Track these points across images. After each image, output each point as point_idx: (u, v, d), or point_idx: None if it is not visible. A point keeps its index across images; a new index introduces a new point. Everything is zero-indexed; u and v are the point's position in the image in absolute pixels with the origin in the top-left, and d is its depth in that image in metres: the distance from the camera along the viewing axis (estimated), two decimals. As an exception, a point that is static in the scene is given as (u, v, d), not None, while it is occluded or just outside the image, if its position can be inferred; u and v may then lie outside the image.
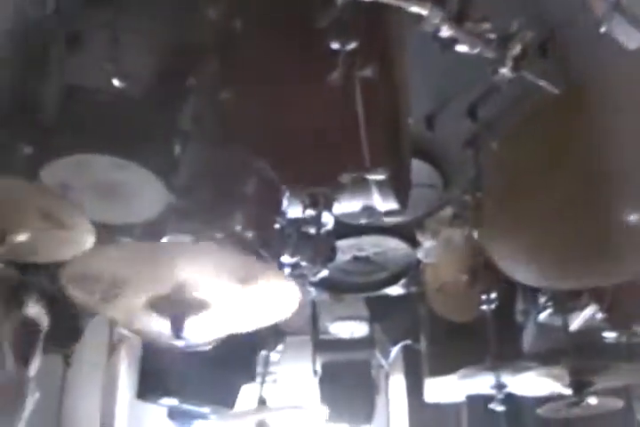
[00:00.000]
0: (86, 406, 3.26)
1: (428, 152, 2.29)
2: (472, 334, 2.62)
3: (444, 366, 2.84)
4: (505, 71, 1.30)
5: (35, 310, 2.02)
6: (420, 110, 2.12)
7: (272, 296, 1.38)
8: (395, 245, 2.70)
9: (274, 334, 2.46)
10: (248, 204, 1.63)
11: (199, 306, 1.39)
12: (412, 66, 1.93)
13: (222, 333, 1.58)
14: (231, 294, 1.38)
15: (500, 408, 2.28)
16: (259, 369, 2.99)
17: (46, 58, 1.68)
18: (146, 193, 1.68)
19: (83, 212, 1.44)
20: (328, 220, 1.82)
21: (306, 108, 1.69)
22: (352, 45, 1.50)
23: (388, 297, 3.05)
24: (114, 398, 3.26)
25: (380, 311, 3.30)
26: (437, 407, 3.24)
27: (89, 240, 1.50)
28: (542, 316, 2.26)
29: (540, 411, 2.28)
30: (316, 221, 1.77)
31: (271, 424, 2.09)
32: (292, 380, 3.50)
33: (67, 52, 1.72)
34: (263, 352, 2.46)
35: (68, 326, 2.57)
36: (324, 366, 3.42)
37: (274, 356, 2.43)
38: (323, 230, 1.81)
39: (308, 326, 3.28)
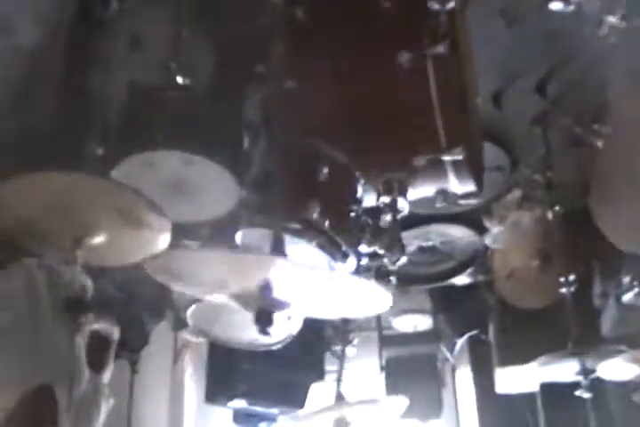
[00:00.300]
0: (154, 411, 3.26)
1: (494, 133, 2.21)
2: (546, 320, 2.53)
3: (517, 355, 2.76)
4: (613, 20, 1.20)
5: (106, 318, 2.01)
6: (486, 89, 2.05)
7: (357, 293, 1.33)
8: (461, 233, 2.63)
9: (347, 329, 2.40)
10: (323, 193, 1.57)
11: (286, 302, 1.34)
12: (477, 43, 1.86)
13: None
14: (317, 291, 1.34)
15: (587, 395, 2.19)
16: (328, 367, 2.95)
17: (110, 57, 1.65)
18: (217, 188, 1.64)
19: (161, 209, 1.40)
20: (403, 206, 1.75)
21: (376, 91, 1.63)
22: (451, 4, 1.43)
23: (453, 287, 2.97)
24: (181, 402, 3.24)
25: (444, 303, 3.23)
26: (508, 398, 3.15)
27: (167, 239, 1.47)
28: (626, 297, 2.16)
29: (635, 398, 2.18)
30: (392, 207, 1.71)
31: (351, 421, 2.04)
32: (356, 377, 3.44)
33: (129, 51, 1.69)
34: (338, 347, 2.41)
35: (135, 333, 2.57)
36: (389, 361, 3.36)
37: (349, 351, 2.38)
38: (398, 217, 1.75)
39: (371, 322, 3.23)
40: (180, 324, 2.97)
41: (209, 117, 1.62)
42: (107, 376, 2.04)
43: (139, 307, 2.47)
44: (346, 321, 2.36)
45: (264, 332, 1.35)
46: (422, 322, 3.48)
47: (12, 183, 1.39)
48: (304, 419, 2.07)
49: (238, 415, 3.22)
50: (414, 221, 2.52)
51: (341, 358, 2.37)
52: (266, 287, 1.32)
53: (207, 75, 1.75)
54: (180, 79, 1.67)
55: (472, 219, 2.59)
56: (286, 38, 1.65)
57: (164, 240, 1.47)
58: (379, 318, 2.74)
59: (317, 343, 2.79)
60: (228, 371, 2.75)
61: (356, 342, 2.39)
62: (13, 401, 1.65)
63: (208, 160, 1.56)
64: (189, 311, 2.17)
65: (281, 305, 1.35)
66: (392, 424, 2.41)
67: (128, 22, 1.67)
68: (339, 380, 2.24)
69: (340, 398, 2.10)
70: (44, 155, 1.70)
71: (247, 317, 1.86)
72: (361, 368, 3.44)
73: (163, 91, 1.63)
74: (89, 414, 1.90)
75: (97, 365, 1.98)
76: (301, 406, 2.89)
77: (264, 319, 1.34)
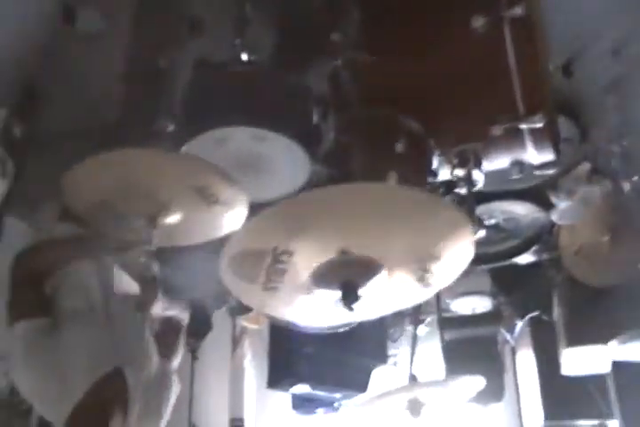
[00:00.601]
0: (215, 398, 3.26)
1: (561, 102, 2.12)
2: (620, 298, 2.45)
3: (588, 335, 2.67)
4: None
5: (176, 303, 2.01)
6: (556, 56, 1.96)
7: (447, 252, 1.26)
8: (525, 210, 2.54)
9: (417, 308, 2.34)
10: (400, 165, 1.52)
11: (371, 270, 1.28)
12: (548, 5, 1.77)
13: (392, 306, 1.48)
14: (402, 255, 1.27)
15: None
16: (391, 351, 2.91)
17: (174, 38, 1.63)
18: (288, 165, 1.60)
19: (239, 186, 1.36)
20: (478, 179, 1.70)
21: (451, 59, 1.57)
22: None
23: (515, 267, 2.89)
24: (241, 389, 3.24)
25: (506, 283, 3.15)
26: (575, 381, 3.06)
27: (244, 216, 1.43)
28: None
29: None
30: (467, 180, 1.65)
31: (424, 401, 1.99)
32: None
33: (193, 30, 1.66)
34: (410, 328, 2.36)
35: (199, 319, 2.56)
36: (448, 344, 3.30)
37: (420, 330, 2.33)
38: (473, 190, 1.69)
39: (428, 305, 3.16)
40: (238, 310, 2.97)
41: (278, 92, 1.58)
42: (176, 362, 2.04)
43: (202, 292, 2.45)
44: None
45: (350, 307, 1.30)
46: (481, 304, 3.40)
47: (86, 164, 1.37)
48: (375, 401, 2.03)
49: (297, 401, 3.21)
50: (476, 198, 2.45)
51: (413, 338, 2.32)
52: (350, 262, 1.27)
53: (274, 49, 1.71)
54: (245, 55, 1.64)
55: (537, 194, 2.50)
56: (359, 7, 1.60)
57: (240, 219, 1.43)
58: (438, 299, 2.67)
59: (379, 327, 2.75)
60: (291, 356, 2.73)
61: (427, 321, 2.33)
62: (88, 385, 1.66)
63: (280, 135, 1.51)
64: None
65: (366, 279, 1.30)
66: (456, 408, 2.36)
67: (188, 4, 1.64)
68: (411, 360, 2.19)
69: (412, 378, 2.06)
70: (114, 137, 1.68)
71: (316, 299, 1.82)
72: (420, 352, 3.40)
73: (229, 67, 1.60)
74: (158, 399, 1.90)
75: (167, 351, 1.98)
76: (364, 390, 2.87)
77: (350, 294, 1.29)
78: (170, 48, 1.62)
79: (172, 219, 1.43)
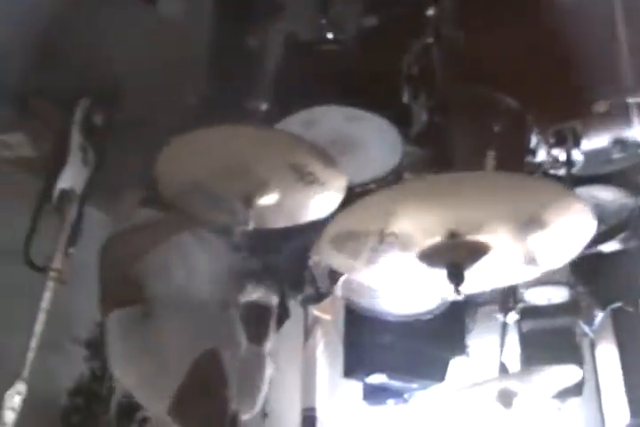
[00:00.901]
0: (287, 388, 3.26)
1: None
2: None
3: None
4: None
5: (266, 287, 2.00)
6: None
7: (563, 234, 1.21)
8: (612, 196, 2.43)
9: (507, 295, 2.28)
10: (498, 144, 1.46)
11: (479, 251, 1.24)
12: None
13: (495, 284, 1.42)
14: (512, 237, 1.23)
15: None
16: (468, 342, 2.84)
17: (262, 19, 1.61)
18: (380, 146, 1.56)
19: (338, 165, 1.32)
20: (577, 159, 1.62)
21: (549, 30, 1.50)
22: None
23: (598, 255, 2.77)
24: (313, 379, 3.23)
25: (586, 272, 3.03)
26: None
27: (340, 198, 1.39)
28: None
29: None
30: (566, 160, 1.58)
31: (517, 391, 1.93)
32: (484, 353, 3.31)
33: (278, 11, 1.64)
34: (499, 316, 2.29)
35: (280, 307, 2.55)
36: (523, 336, 3.21)
37: (510, 318, 2.26)
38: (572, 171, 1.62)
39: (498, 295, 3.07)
40: (311, 300, 2.95)
41: (369, 72, 1.54)
42: (268, 346, 2.03)
43: (280, 279, 2.44)
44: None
45: (457, 289, 1.26)
46: (557, 294, 3.28)
47: (179, 143, 1.34)
48: (465, 391, 1.98)
49: (367, 392, 3.17)
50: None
51: (503, 326, 2.26)
52: (458, 244, 1.23)
53: (361, 28, 1.68)
54: (330, 35, 1.61)
55: (624, 180, 2.39)
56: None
57: (336, 200, 1.40)
58: (514, 290, 2.59)
59: (458, 316, 2.69)
60: (367, 345, 2.69)
61: (518, 308, 2.26)
62: (188, 364, 1.67)
63: (373, 115, 1.47)
64: (340, 282, 2.13)
65: (473, 261, 1.26)
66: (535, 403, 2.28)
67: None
68: (501, 349, 2.13)
69: (503, 368, 2.00)
70: (200, 120, 1.67)
71: (397, 287, 1.78)
72: (487, 345, 3.31)
73: (319, 46, 1.57)
74: (252, 381, 1.89)
75: (258, 336, 1.98)
76: (441, 380, 2.80)
77: (456, 276, 1.25)
78: (258, 29, 1.60)
79: (269, 199, 1.40)
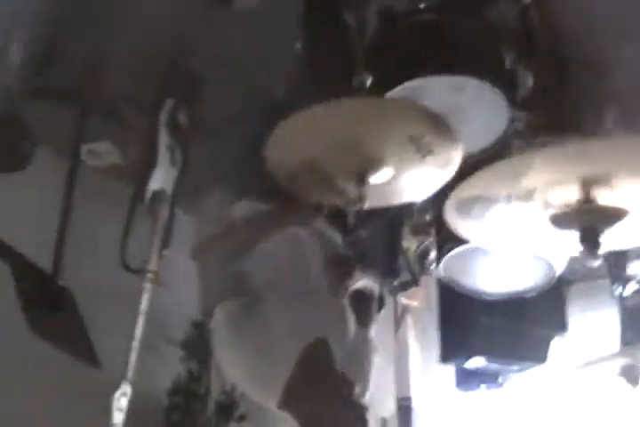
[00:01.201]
0: (381, 377, 3.23)
1: None
2: None
3: None
4: None
5: (368, 273, 1.98)
6: None
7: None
8: None
9: (622, 265, 2.19)
10: (616, 103, 1.40)
11: (614, 218, 1.19)
12: None
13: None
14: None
15: None
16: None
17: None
18: (486, 114, 1.51)
19: (454, 134, 1.28)
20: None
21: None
22: None
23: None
24: (407, 367, 3.19)
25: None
26: None
27: (455, 168, 1.35)
28: None
29: None
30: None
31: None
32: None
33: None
34: (615, 286, 2.21)
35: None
36: (625, 312, 3.10)
37: (628, 290, 2.17)
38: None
39: (601, 269, 2.96)
40: (399, 287, 2.92)
41: (469, 38, 1.51)
42: (373, 331, 2.01)
43: (372, 267, 2.42)
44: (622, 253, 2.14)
45: (592, 254, 1.21)
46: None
47: (289, 122, 1.31)
48: (584, 367, 1.91)
49: (461, 378, 3.12)
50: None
51: (619, 298, 2.17)
52: (594, 209, 1.18)
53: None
54: (422, 3, 1.57)
55: None
56: None
57: (451, 171, 1.36)
58: (621, 260, 2.49)
59: (557, 293, 2.61)
60: (465, 329, 2.65)
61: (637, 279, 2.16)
62: (297, 354, 1.66)
63: (476, 81, 1.43)
64: (442, 262, 2.10)
65: (608, 226, 1.20)
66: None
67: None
68: (621, 323, 2.05)
69: (625, 342, 1.92)
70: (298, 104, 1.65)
71: (499, 265, 1.72)
72: (593, 320, 3.21)
73: (411, 17, 1.54)
74: (362, 368, 1.88)
75: (363, 320, 1.96)
76: (543, 361, 2.74)
77: (591, 238, 1.20)
78: (353, 3, 1.57)
79: (383, 175, 1.37)
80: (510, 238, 1.33)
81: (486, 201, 1.20)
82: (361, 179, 1.36)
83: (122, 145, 2.57)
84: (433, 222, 2.62)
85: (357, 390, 1.73)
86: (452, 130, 1.29)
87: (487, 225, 1.26)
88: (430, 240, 2.73)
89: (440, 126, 1.28)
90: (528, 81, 1.48)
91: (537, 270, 1.99)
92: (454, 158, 1.35)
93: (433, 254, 2.77)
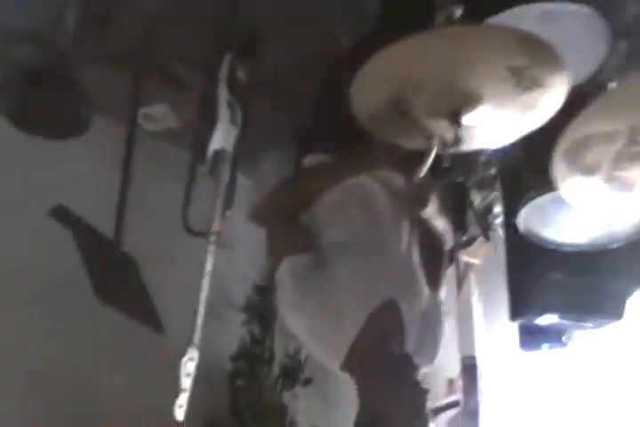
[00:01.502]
0: (445, 336, 3.19)
1: None
2: None
3: None
4: None
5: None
6: None
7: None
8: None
9: None
10: None
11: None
12: None
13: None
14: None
15: None
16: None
17: None
18: (585, 42, 1.40)
19: (562, 66, 1.16)
20: None
21: None
22: None
23: None
24: (471, 326, 3.14)
25: None
26: None
27: (561, 103, 1.24)
28: None
29: None
30: None
31: None
32: None
33: None
34: None
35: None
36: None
37: None
38: None
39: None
40: (460, 245, 2.84)
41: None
42: (443, 293, 1.95)
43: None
44: None
45: None
46: None
47: (377, 60, 1.20)
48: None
49: (524, 337, 3.05)
50: None
51: None
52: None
53: None
54: None
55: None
56: None
57: (556, 106, 1.25)
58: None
59: (636, 245, 2.50)
60: (536, 284, 2.55)
61: None
62: (363, 318, 1.59)
63: (573, 7, 1.32)
64: (520, 214, 2.01)
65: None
66: None
67: None
68: None
69: None
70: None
71: (580, 216, 1.62)
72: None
73: None
74: (433, 332, 1.81)
75: (433, 281, 1.90)
76: (619, 317, 2.63)
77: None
78: None
79: (479, 114, 1.28)
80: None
81: (603, 140, 1.09)
82: (455, 118, 1.26)
83: (177, 108, 2.51)
84: (497, 176, 2.54)
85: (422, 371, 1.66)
86: (562, 59, 1.17)
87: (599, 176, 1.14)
88: (495, 195, 2.64)
89: (547, 56, 1.16)
90: (630, 8, 1.37)
91: (620, 222, 1.89)
92: (561, 90, 1.23)
93: (497, 209, 2.69)
